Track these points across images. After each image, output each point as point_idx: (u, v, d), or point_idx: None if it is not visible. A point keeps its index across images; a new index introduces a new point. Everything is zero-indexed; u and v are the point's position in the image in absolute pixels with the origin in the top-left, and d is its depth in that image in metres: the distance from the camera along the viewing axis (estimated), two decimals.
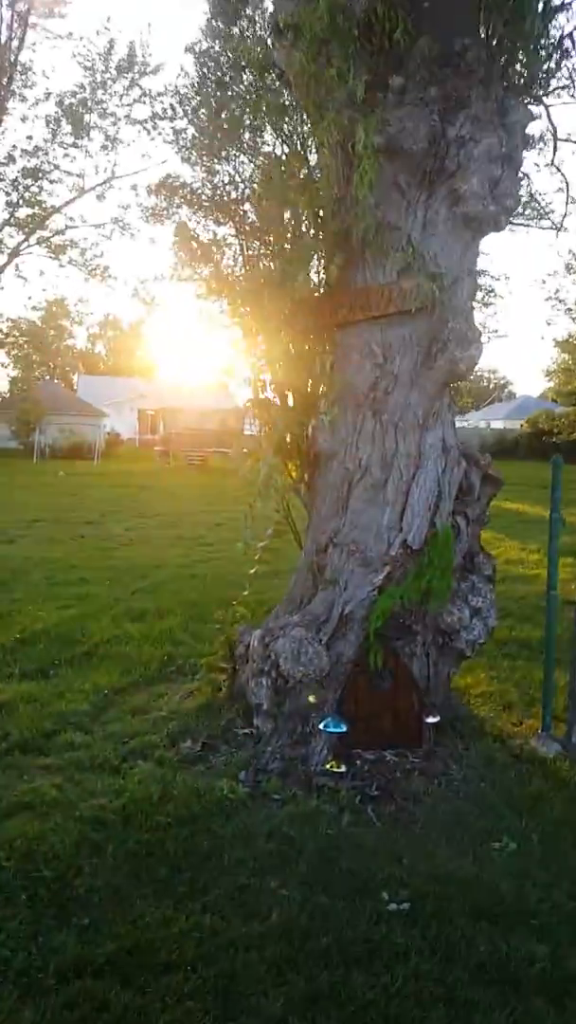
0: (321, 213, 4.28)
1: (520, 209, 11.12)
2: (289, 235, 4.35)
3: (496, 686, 5.45)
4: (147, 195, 10.99)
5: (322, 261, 4.19)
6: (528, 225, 13.06)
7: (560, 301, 32.86)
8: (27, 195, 24.73)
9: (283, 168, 4.51)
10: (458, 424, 4.95)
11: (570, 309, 33.13)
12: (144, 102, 23.62)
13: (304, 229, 4.33)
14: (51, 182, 25.36)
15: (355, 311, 4.12)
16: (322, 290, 4.29)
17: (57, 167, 24.91)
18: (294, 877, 3.12)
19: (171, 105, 13.90)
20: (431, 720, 4.25)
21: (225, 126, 5.60)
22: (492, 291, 21.79)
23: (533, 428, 36.05)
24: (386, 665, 4.28)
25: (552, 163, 7.51)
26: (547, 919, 2.96)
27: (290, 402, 4.43)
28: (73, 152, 25.84)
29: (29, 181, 24.73)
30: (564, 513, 4.79)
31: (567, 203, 11.16)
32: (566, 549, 7.14)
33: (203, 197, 5.31)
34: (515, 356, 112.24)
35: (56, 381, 51.41)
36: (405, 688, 4.35)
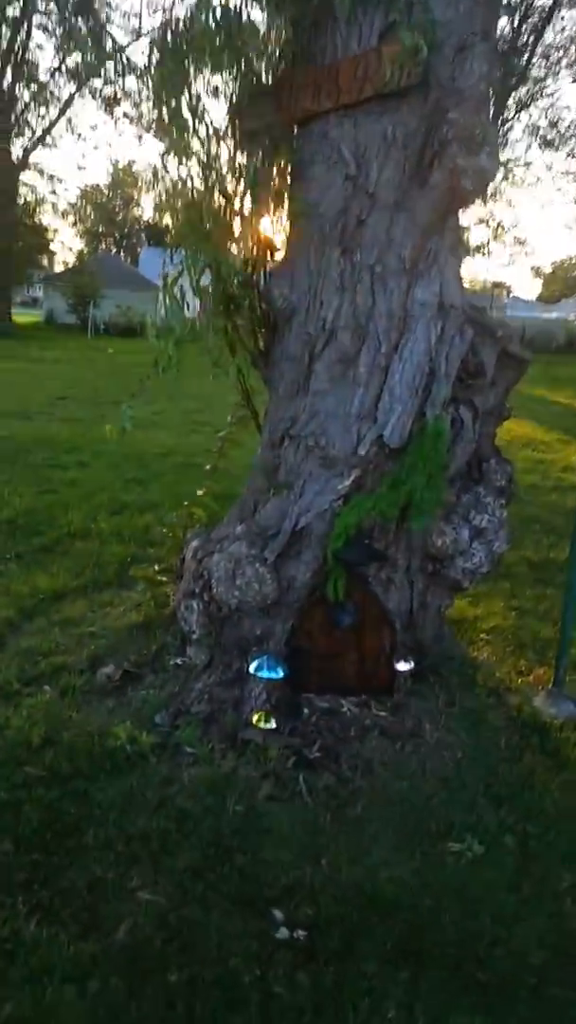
0: None
1: None
2: None
3: (512, 620, 4.49)
4: None
5: (277, 26, 2.98)
6: None
7: None
8: (77, 35, 22.56)
9: None
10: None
11: None
12: None
13: None
14: (101, 25, 23.05)
15: (319, 98, 2.93)
16: (277, 71, 3.09)
17: (109, 3, 22.50)
18: (169, 874, 2.38)
19: None
20: (403, 668, 3.37)
21: None
22: None
23: None
24: (351, 596, 3.38)
25: None
26: (501, 990, 2.14)
27: (236, 235, 3.31)
28: None
29: (79, 21, 22.48)
30: None
31: None
32: None
33: None
34: None
35: (121, 255, 49.85)
36: (375, 625, 3.45)
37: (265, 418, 3.70)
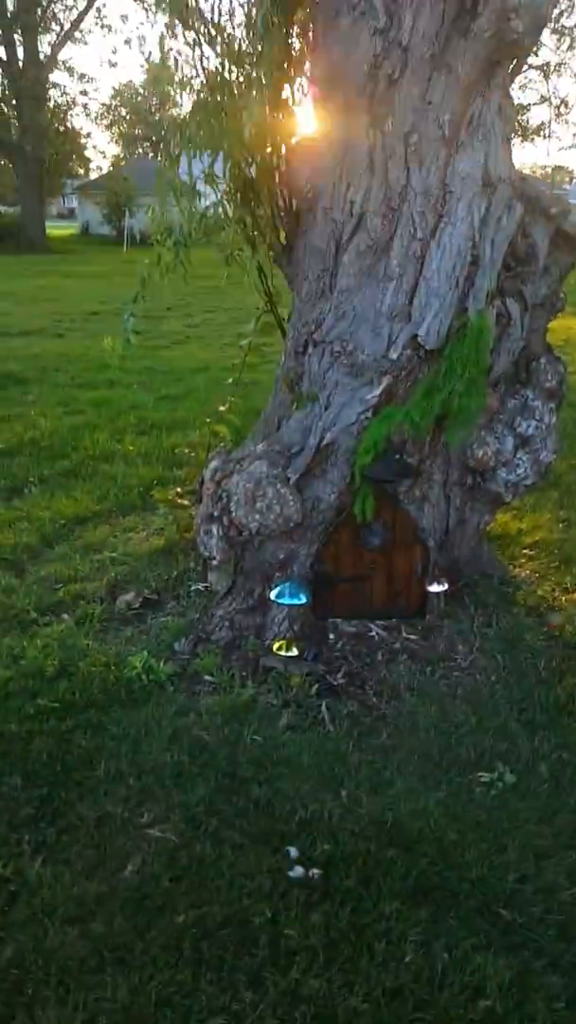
0: None
1: None
2: None
3: (559, 533, 4.20)
4: None
5: None
6: None
7: None
8: None
9: None
10: None
11: None
12: None
13: None
14: None
15: None
16: None
17: None
18: (182, 807, 2.28)
19: None
20: (435, 590, 3.14)
21: None
22: None
23: None
24: (380, 516, 3.14)
25: None
26: (528, 929, 2.00)
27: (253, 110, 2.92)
28: None
29: None
30: None
31: None
32: None
33: None
34: None
35: (158, 159, 47.91)
36: (406, 546, 3.22)
37: (289, 323, 3.38)
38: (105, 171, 38.47)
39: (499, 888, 2.08)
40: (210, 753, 2.49)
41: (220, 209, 3.23)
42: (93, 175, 39.11)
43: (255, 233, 3.28)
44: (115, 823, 2.22)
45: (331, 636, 3.17)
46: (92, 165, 39.55)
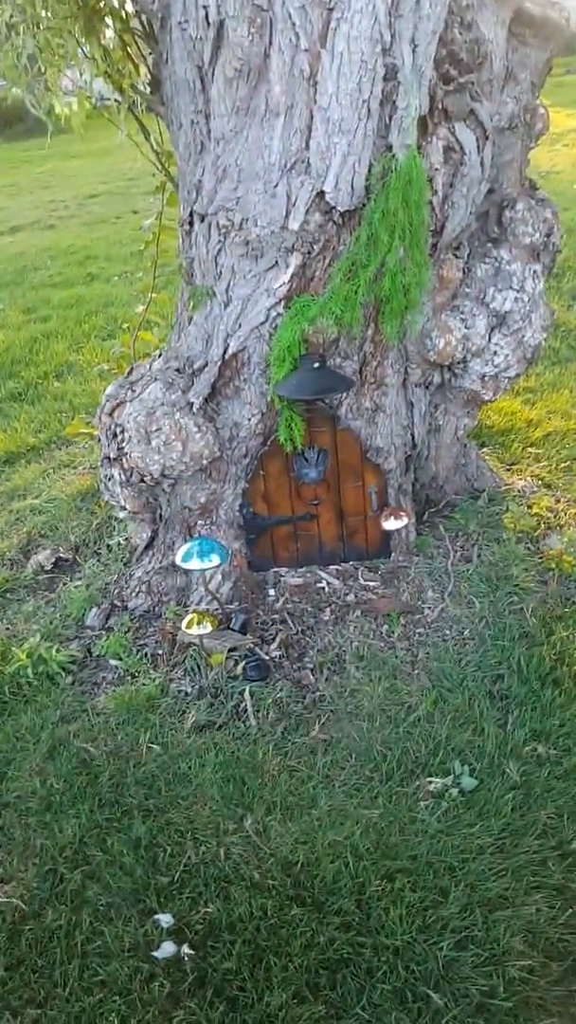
0: None
1: None
2: None
3: (574, 423, 3.40)
4: None
5: None
6: None
7: None
8: None
9: None
10: None
11: None
12: None
13: None
14: None
15: None
16: None
17: None
18: (42, 857, 1.83)
19: None
20: (392, 526, 2.48)
21: None
22: None
23: None
24: (314, 441, 2.46)
25: None
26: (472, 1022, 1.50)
27: None
28: None
29: None
30: None
31: None
32: None
33: None
34: None
35: None
36: (354, 472, 2.54)
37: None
38: None
39: (429, 959, 1.57)
40: (93, 774, 2.02)
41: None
42: None
43: (115, 71, 2.45)
44: None
45: (271, 593, 2.59)
46: None
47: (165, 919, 1.66)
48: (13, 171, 15.91)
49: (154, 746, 2.08)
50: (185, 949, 1.60)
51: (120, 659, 2.39)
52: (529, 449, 3.22)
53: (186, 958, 1.59)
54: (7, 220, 10.28)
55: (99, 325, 5.44)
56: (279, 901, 1.68)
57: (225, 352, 2.35)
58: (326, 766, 2.00)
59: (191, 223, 2.34)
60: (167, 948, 1.61)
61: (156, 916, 1.67)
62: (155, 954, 1.61)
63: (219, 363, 2.36)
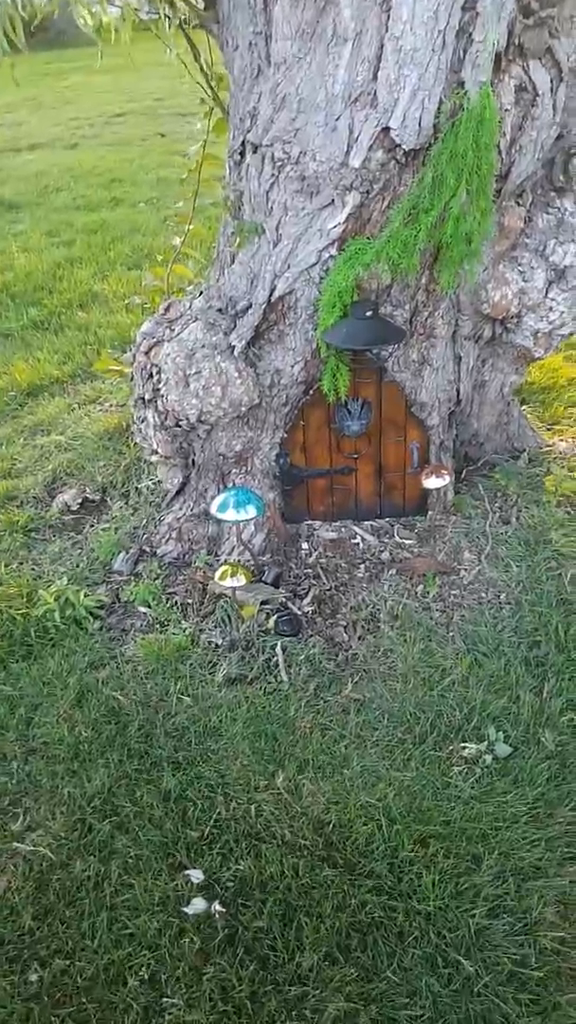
0: None
1: None
2: None
3: None
4: None
5: None
6: None
7: None
8: None
9: None
10: None
11: None
12: None
13: None
14: None
15: None
16: None
17: None
18: (70, 806, 1.83)
19: None
20: (433, 484, 2.41)
21: None
22: None
23: None
24: (358, 393, 2.36)
25: None
26: (503, 988, 1.50)
27: None
28: None
29: None
30: None
31: None
32: None
33: None
34: None
35: None
36: (397, 427, 2.45)
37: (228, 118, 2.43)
38: None
39: (461, 925, 1.57)
40: (122, 723, 2.00)
41: None
42: None
43: None
44: None
45: (304, 546, 2.54)
46: None
47: (195, 875, 1.66)
48: (35, 83, 15.27)
49: (184, 697, 2.06)
50: (216, 906, 1.61)
51: (149, 607, 2.35)
52: (571, 409, 3.11)
53: (217, 915, 1.60)
54: (27, 136, 9.90)
55: (125, 253, 5.26)
56: (311, 861, 1.68)
57: (271, 294, 2.23)
58: (359, 726, 1.97)
59: (242, 153, 2.19)
60: (198, 904, 1.61)
61: (187, 871, 1.67)
62: (185, 909, 1.61)
63: (264, 305, 2.25)
